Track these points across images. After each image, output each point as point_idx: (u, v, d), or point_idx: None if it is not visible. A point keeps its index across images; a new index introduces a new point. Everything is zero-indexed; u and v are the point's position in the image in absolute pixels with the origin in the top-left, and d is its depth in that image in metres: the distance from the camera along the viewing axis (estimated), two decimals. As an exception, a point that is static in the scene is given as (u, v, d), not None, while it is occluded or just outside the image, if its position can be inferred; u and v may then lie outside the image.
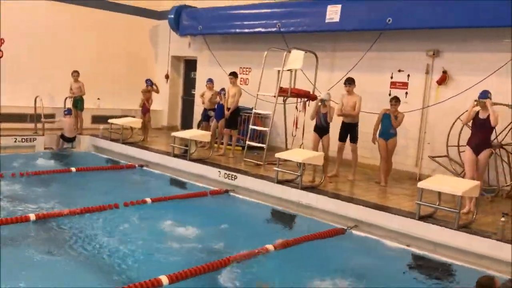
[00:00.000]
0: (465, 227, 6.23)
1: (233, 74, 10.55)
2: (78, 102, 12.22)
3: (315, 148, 8.85)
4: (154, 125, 14.53)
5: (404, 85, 9.82)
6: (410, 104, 9.59)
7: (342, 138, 9.01)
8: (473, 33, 8.73)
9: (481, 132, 6.96)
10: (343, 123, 8.97)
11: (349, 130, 8.91)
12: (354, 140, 8.95)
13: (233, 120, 10.50)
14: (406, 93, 9.74)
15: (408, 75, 9.76)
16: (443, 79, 9.22)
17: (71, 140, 11.56)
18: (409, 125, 9.61)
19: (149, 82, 12.24)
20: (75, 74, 12.09)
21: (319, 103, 8.72)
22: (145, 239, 6.22)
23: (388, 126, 8.49)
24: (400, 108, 8.59)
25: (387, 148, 8.56)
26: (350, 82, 8.93)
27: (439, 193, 6.55)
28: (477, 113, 7.03)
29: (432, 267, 5.96)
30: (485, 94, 6.90)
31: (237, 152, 10.86)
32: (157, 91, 12.40)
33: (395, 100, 8.52)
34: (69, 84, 12.14)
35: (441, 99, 9.24)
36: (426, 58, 9.47)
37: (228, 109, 10.40)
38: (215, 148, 10.87)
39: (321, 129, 8.80)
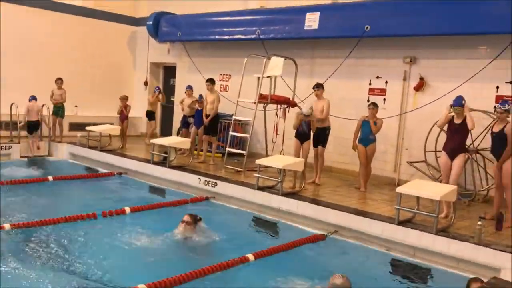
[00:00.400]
0: (443, 231, 6.31)
1: (210, 81, 10.54)
2: (59, 110, 12.09)
3: (297, 154, 8.88)
4: (133, 132, 14.44)
5: (382, 91, 9.94)
6: (388, 110, 9.70)
7: (316, 144, 9.08)
8: (449, 41, 8.90)
9: (456, 137, 7.07)
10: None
11: (320, 135, 8.98)
12: (323, 144, 9.05)
13: (213, 126, 10.48)
14: (384, 99, 9.87)
15: (386, 82, 9.88)
16: (420, 86, 9.37)
17: (36, 126, 11.34)
18: (388, 131, 9.72)
19: (158, 90, 12.15)
20: (59, 81, 12.00)
21: (301, 117, 8.72)
22: (124, 248, 6.13)
23: (367, 132, 8.58)
24: (378, 114, 8.68)
25: (366, 154, 8.63)
26: (318, 86, 9.08)
27: (418, 198, 6.63)
28: (452, 118, 7.14)
29: (412, 271, 6.01)
30: (459, 101, 7.00)
31: (217, 159, 10.82)
32: (163, 100, 12.34)
33: (373, 106, 8.62)
34: (50, 91, 11.96)
35: (418, 105, 9.37)
36: (403, 65, 9.61)
37: (207, 116, 10.37)
38: (195, 155, 10.82)
39: (302, 135, 8.84)
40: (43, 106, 11.72)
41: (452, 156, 7.08)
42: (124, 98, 11.94)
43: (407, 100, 9.62)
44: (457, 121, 7.07)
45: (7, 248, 5.73)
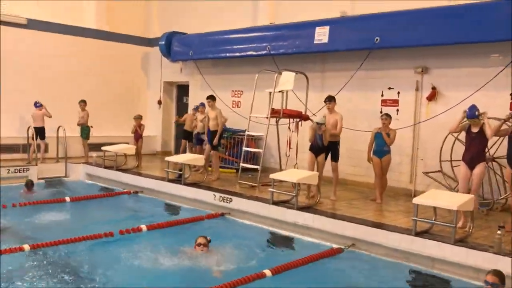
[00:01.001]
0: (462, 241, 6.23)
1: (211, 98, 10.57)
2: (83, 131, 12.35)
3: (311, 168, 8.81)
4: (148, 151, 14.57)
5: (395, 102, 9.92)
6: (402, 121, 9.67)
7: (325, 158, 8.91)
8: (460, 49, 8.88)
9: (474, 146, 6.97)
10: None
11: (331, 149, 8.82)
12: (335, 158, 8.89)
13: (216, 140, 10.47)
14: (397, 110, 9.84)
15: (398, 93, 9.86)
16: (433, 95, 9.33)
17: (41, 133, 11.71)
18: (402, 142, 9.68)
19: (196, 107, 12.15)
20: (82, 103, 12.27)
21: (315, 127, 8.69)
22: (141, 266, 6.15)
23: (381, 144, 8.55)
24: (391, 125, 8.65)
25: (381, 165, 8.59)
26: (330, 99, 8.94)
27: (435, 208, 6.57)
28: (469, 127, 7.08)
29: (431, 282, 5.93)
30: (472, 112, 6.91)
31: (223, 174, 10.94)
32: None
33: (386, 116, 8.59)
34: (65, 113, 12.20)
35: (431, 115, 9.32)
36: (415, 75, 9.60)
37: (212, 132, 10.39)
38: (209, 171, 10.87)
39: (317, 149, 8.75)
40: (58, 128, 11.93)
41: (471, 166, 6.97)
42: (138, 118, 12.10)
43: (420, 110, 9.58)
44: (474, 129, 6.99)
45: (27, 268, 5.80)
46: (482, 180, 7.14)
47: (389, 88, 9.98)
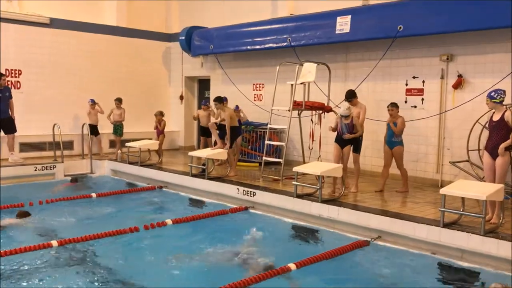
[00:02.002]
0: (492, 232, 6.08)
1: (218, 100, 10.09)
2: (118, 128, 12.53)
3: (337, 159, 8.58)
4: (171, 146, 14.66)
5: (420, 91, 9.72)
6: (427, 110, 9.48)
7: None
8: (486, 35, 8.64)
9: (495, 134, 6.67)
10: None
11: (352, 140, 8.55)
12: (356, 150, 8.65)
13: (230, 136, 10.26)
14: (423, 99, 9.64)
15: (423, 81, 9.66)
16: (459, 83, 9.10)
17: (95, 129, 12.29)
18: (428, 132, 9.50)
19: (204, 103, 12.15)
20: (117, 102, 12.47)
21: (339, 119, 8.52)
22: (167, 260, 6.19)
23: (390, 134, 8.44)
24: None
25: (392, 155, 8.47)
26: (350, 97, 8.67)
27: (463, 199, 6.41)
28: (492, 115, 6.82)
29: (460, 274, 5.81)
30: (490, 93, 6.63)
31: (246, 168, 11.01)
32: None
33: (391, 106, 8.45)
34: (88, 110, 12.34)
35: (458, 103, 9.11)
36: (440, 63, 9.38)
37: (221, 125, 10.27)
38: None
39: (342, 140, 8.51)
40: (83, 125, 12.10)
41: (494, 155, 6.71)
42: (158, 114, 12.16)
43: (446, 98, 9.36)
44: (495, 117, 6.69)
45: (55, 264, 5.89)
46: (506, 170, 6.79)
47: (414, 77, 9.78)
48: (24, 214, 7.95)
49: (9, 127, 11.11)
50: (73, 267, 5.83)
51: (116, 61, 14.03)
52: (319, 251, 6.35)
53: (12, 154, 11.27)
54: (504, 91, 6.71)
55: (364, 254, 6.48)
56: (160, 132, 12.15)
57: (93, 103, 12.34)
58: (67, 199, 9.12)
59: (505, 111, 6.57)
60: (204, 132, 12.15)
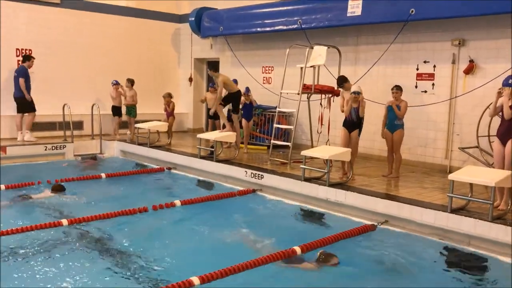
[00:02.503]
0: (500, 219, 6.07)
1: (212, 67, 10.63)
2: (131, 110, 12.59)
3: (345, 144, 8.53)
4: (179, 128, 14.70)
5: (431, 76, 9.63)
6: (437, 95, 9.41)
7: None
8: (499, 20, 8.50)
9: (508, 121, 6.56)
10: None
11: (359, 125, 8.53)
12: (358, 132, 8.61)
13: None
14: (433, 84, 9.56)
15: (434, 66, 9.57)
16: (470, 68, 9.00)
17: (118, 111, 12.53)
18: (437, 117, 9.44)
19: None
20: (128, 82, 12.47)
21: (351, 98, 8.42)
22: (175, 241, 6.27)
23: (392, 118, 8.40)
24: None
25: (392, 140, 8.43)
26: (340, 83, 8.71)
27: (471, 185, 6.40)
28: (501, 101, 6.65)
29: (467, 260, 5.82)
30: (507, 80, 6.53)
31: (254, 151, 11.00)
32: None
33: (396, 88, 8.39)
34: (97, 90, 12.39)
35: (469, 89, 9.03)
36: (451, 47, 9.27)
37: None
38: (246, 148, 10.92)
39: (351, 124, 8.51)
40: (93, 105, 12.15)
41: (503, 141, 6.63)
42: (166, 96, 12.17)
43: (456, 84, 9.28)
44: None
45: (65, 242, 5.99)
46: None
47: (425, 62, 9.69)
48: (59, 188, 8.38)
49: (24, 106, 11.45)
50: (81, 246, 5.91)
51: (126, 42, 14.01)
52: (326, 234, 6.38)
53: (26, 132, 11.46)
54: None
55: (370, 238, 6.51)
56: (169, 114, 12.18)
57: (116, 83, 12.35)
58: (77, 179, 9.22)
59: None
60: (212, 115, 12.07)
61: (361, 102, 8.36)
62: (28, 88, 11.33)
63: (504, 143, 6.60)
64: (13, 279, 4.86)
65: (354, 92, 8.31)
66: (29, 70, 11.45)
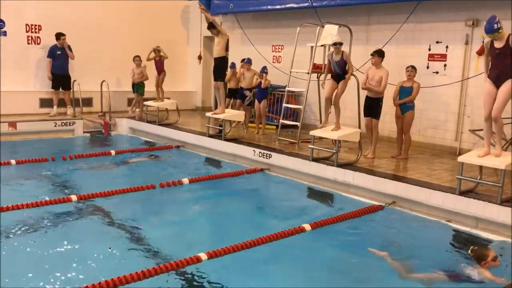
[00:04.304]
0: (509, 201, 6.04)
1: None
2: (139, 87, 12.35)
3: (330, 94, 8.34)
4: (188, 106, 14.69)
5: (443, 57, 9.50)
6: (449, 77, 9.29)
7: (366, 114, 8.52)
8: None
9: (501, 62, 6.06)
10: (367, 97, 8.54)
11: (372, 106, 8.41)
12: (375, 115, 8.45)
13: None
14: (445, 65, 9.43)
15: (447, 47, 9.42)
16: (483, 50, 8.82)
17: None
18: (448, 99, 9.34)
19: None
20: (137, 59, 12.20)
21: (332, 48, 8.21)
22: (183, 217, 6.34)
23: (403, 98, 8.27)
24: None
25: (402, 121, 8.34)
26: (377, 53, 8.38)
27: (481, 167, 6.36)
28: (492, 43, 6.19)
29: (474, 242, 5.81)
30: (491, 25, 6.00)
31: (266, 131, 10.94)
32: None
33: (411, 68, 8.26)
34: (106, 69, 12.34)
35: (481, 70, 8.88)
36: (465, 28, 9.11)
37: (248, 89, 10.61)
38: (258, 129, 10.87)
39: (337, 76, 8.28)
40: (102, 82, 12.14)
41: (498, 84, 6.11)
42: (156, 50, 12.06)
43: (469, 65, 9.14)
44: (498, 44, 6.09)
45: (74, 216, 6.07)
46: (508, 99, 6.23)
47: (437, 42, 9.54)
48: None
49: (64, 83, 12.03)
50: (91, 221, 5.99)
51: (135, 19, 13.89)
52: (333, 214, 6.41)
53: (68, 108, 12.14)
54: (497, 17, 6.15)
55: (378, 218, 6.53)
56: (161, 69, 12.05)
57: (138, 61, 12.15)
58: (87, 156, 9.27)
59: (510, 35, 6.05)
60: (242, 95, 11.22)
61: (345, 54, 8.14)
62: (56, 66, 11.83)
63: (498, 85, 6.15)
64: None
65: (335, 44, 8.12)
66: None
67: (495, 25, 6.01)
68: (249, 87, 10.94)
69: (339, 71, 8.26)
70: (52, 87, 11.93)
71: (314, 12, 10.89)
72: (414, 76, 8.30)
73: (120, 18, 13.59)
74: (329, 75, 8.67)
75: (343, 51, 8.20)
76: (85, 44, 12.91)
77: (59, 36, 11.79)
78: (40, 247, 5.11)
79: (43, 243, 5.22)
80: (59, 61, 11.83)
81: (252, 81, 10.86)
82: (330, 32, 9.46)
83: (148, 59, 12.20)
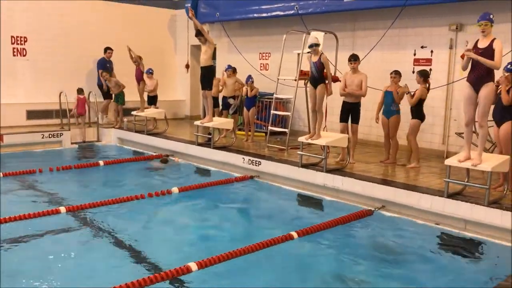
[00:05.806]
0: (496, 203, 6.11)
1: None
2: (119, 97, 12.32)
3: (312, 99, 8.26)
4: (177, 115, 14.67)
5: (428, 61, 9.61)
6: (435, 81, 9.36)
7: (344, 119, 8.54)
8: (496, 4, 8.45)
9: (480, 65, 6.00)
10: (344, 103, 8.57)
11: (351, 110, 8.46)
12: (355, 120, 8.50)
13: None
14: (430, 69, 9.53)
15: (432, 51, 9.54)
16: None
17: (153, 100, 12.30)
18: (434, 103, 9.43)
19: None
20: (150, 75, 12.16)
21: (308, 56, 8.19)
22: (172, 227, 6.30)
23: (389, 103, 8.32)
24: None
25: (388, 126, 8.38)
26: (355, 58, 8.44)
27: (468, 170, 6.43)
28: (476, 43, 6.17)
29: (463, 245, 5.87)
30: (486, 14, 6.09)
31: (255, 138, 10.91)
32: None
33: (395, 74, 8.32)
34: (92, 77, 12.31)
35: (466, 74, 8.96)
36: (449, 32, 9.23)
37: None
38: (247, 136, 10.86)
39: (314, 80, 8.12)
40: (89, 93, 12.09)
41: (477, 87, 6.04)
42: (138, 59, 12.14)
43: (454, 69, 9.25)
44: (481, 44, 6.03)
45: (63, 229, 6.01)
46: (491, 103, 6.28)
47: (422, 47, 9.65)
48: (166, 161, 9.95)
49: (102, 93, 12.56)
50: (80, 233, 5.94)
51: (122, 28, 13.86)
52: (324, 219, 6.42)
53: (105, 116, 12.76)
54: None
55: (367, 224, 6.55)
56: (140, 77, 12.05)
57: (151, 73, 12.10)
58: (76, 167, 9.22)
59: (494, 38, 6.03)
60: (226, 104, 11.08)
61: (323, 58, 7.99)
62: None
63: (477, 88, 6.08)
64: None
65: (310, 46, 8.03)
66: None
67: (491, 15, 6.07)
68: (231, 95, 10.94)
69: (316, 74, 8.06)
70: (106, 97, 12.52)
71: (300, 19, 10.96)
72: (399, 81, 8.37)
73: (106, 27, 13.56)
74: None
75: (321, 54, 8.12)
76: (71, 54, 12.86)
77: (106, 49, 12.52)
78: (30, 258, 5.05)
79: (32, 255, 5.17)
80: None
81: (234, 88, 10.87)
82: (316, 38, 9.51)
83: (131, 57, 12.28)
